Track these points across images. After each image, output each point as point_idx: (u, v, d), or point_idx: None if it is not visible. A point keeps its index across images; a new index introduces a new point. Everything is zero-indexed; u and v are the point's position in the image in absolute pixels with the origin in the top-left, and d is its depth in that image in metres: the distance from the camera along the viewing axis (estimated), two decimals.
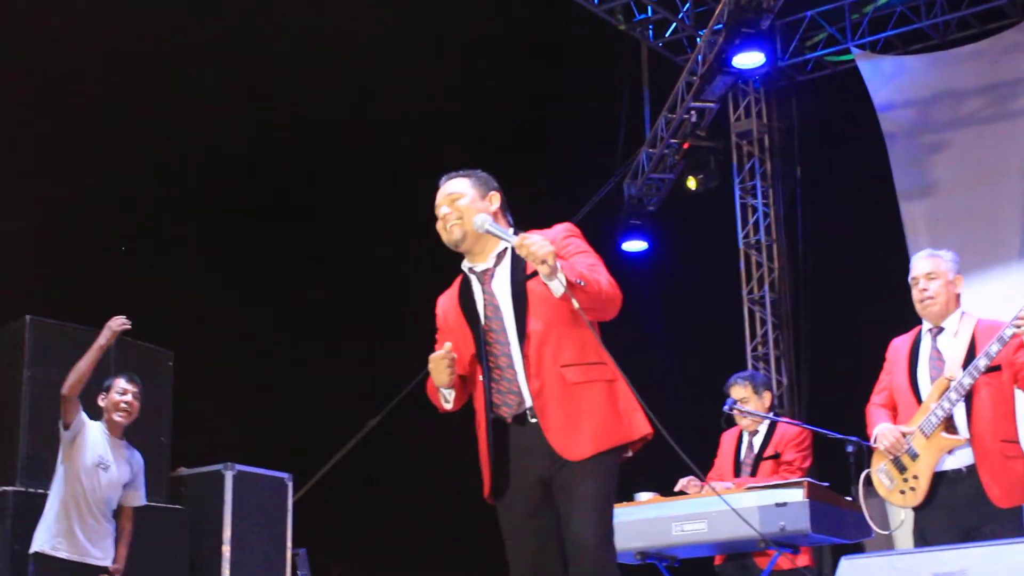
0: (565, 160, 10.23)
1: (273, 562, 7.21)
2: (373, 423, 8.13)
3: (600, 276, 3.80)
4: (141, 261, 8.96)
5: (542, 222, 4.01)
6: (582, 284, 3.70)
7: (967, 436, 4.92)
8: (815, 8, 10.75)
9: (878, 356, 5.46)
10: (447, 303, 4.04)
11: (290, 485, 7.37)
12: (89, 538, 6.10)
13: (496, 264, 3.94)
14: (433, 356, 3.85)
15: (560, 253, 3.77)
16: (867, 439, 5.34)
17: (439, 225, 3.95)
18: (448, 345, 3.86)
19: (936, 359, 5.07)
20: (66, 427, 6.09)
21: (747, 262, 11.04)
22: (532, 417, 3.82)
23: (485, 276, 3.94)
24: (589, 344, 3.84)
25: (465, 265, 3.99)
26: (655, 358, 9.84)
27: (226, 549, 6.95)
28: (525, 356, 3.81)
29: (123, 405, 6.20)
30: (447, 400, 3.94)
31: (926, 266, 5.16)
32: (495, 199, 3.97)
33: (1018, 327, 4.79)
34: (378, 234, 9.98)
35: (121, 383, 6.24)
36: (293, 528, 7.29)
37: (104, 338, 6.03)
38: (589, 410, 3.80)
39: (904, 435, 5.00)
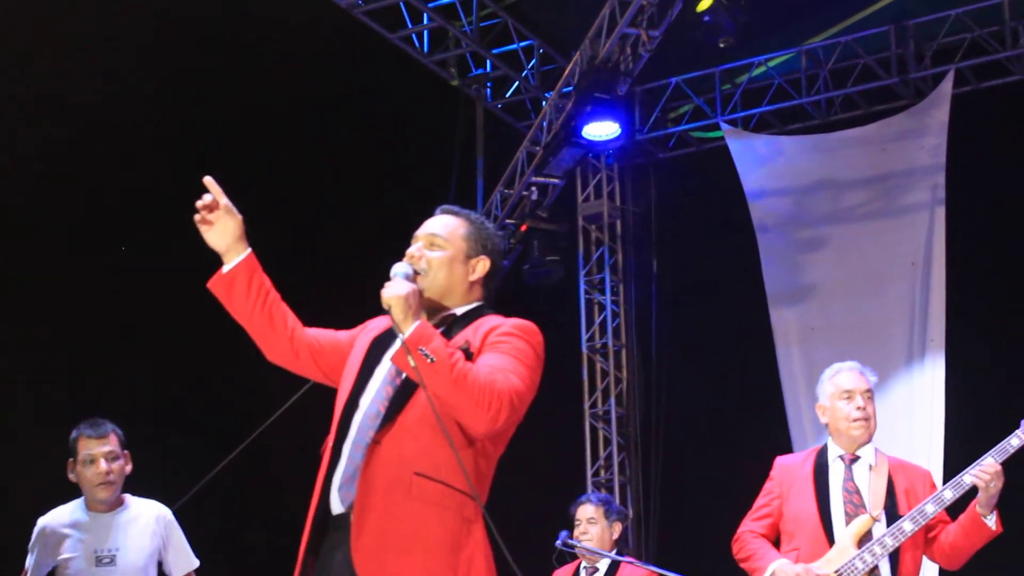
0: (379, 237, 10.11)
1: None
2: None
3: (484, 374, 3.45)
4: None
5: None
6: (429, 358, 3.37)
7: None
8: (681, 75, 10.76)
9: (741, 487, 5.70)
10: (373, 328, 3.83)
11: None
12: None
13: (439, 328, 3.67)
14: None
15: (485, 343, 3.58)
16: None
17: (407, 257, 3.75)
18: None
19: (853, 492, 5.24)
20: None
21: (591, 370, 10.80)
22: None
23: None
24: (467, 467, 3.52)
25: None
26: None
27: None
28: (375, 440, 3.48)
29: (99, 479, 5.44)
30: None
31: (864, 382, 5.36)
32: (479, 267, 3.77)
33: (983, 480, 5.01)
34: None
35: (89, 448, 5.44)
36: None
37: None
38: (422, 539, 3.44)
39: None
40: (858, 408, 5.30)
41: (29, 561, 5.46)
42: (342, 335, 3.89)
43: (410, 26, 9.91)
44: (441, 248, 3.74)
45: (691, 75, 10.79)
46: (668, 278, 10.69)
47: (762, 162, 10.45)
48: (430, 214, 3.89)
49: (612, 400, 10.71)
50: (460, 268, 3.75)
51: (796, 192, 10.39)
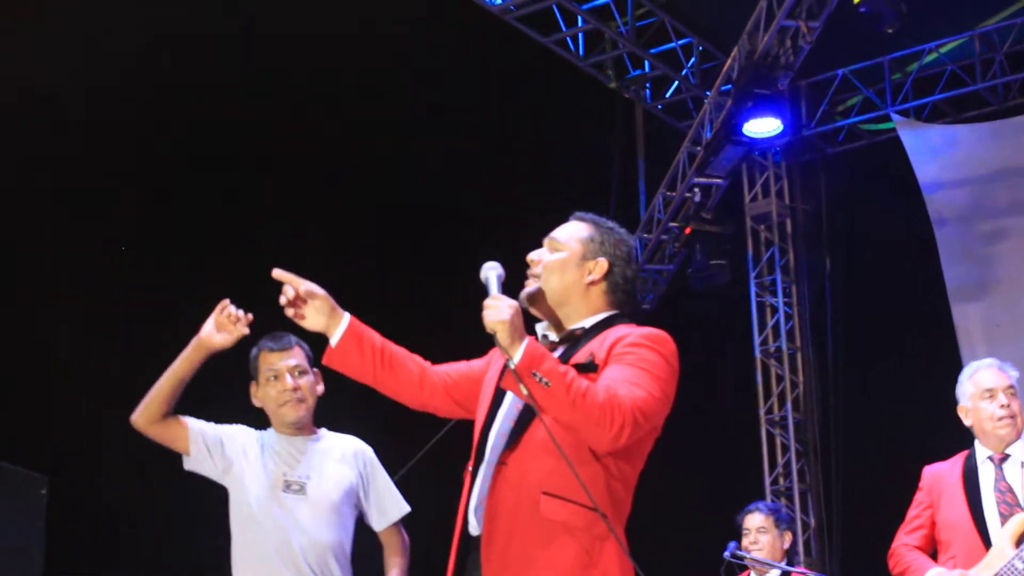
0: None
1: None
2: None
3: (604, 390, 3.40)
4: None
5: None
6: (543, 382, 3.33)
7: None
8: (847, 66, 10.66)
9: None
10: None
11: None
12: None
13: (565, 344, 3.69)
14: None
15: (611, 354, 3.53)
16: None
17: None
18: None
19: (1006, 492, 5.23)
20: (187, 453, 4.82)
21: (765, 374, 10.79)
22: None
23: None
24: (596, 484, 3.48)
25: (540, 328, 3.75)
26: (649, 493, 9.65)
27: None
28: (501, 460, 3.52)
29: (285, 397, 4.87)
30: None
31: (1006, 379, 5.33)
32: (597, 268, 3.69)
33: None
34: None
35: (270, 362, 4.87)
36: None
37: (192, 349, 4.65)
38: (550, 560, 3.43)
39: None
40: (1002, 406, 5.28)
41: (202, 424, 4.88)
42: (475, 363, 3.91)
43: (564, 29, 9.96)
44: (558, 251, 3.72)
45: (858, 66, 10.69)
46: (842, 277, 10.64)
47: (937, 152, 10.35)
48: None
49: (788, 405, 10.68)
50: (574, 271, 3.69)
51: (975, 183, 10.26)
